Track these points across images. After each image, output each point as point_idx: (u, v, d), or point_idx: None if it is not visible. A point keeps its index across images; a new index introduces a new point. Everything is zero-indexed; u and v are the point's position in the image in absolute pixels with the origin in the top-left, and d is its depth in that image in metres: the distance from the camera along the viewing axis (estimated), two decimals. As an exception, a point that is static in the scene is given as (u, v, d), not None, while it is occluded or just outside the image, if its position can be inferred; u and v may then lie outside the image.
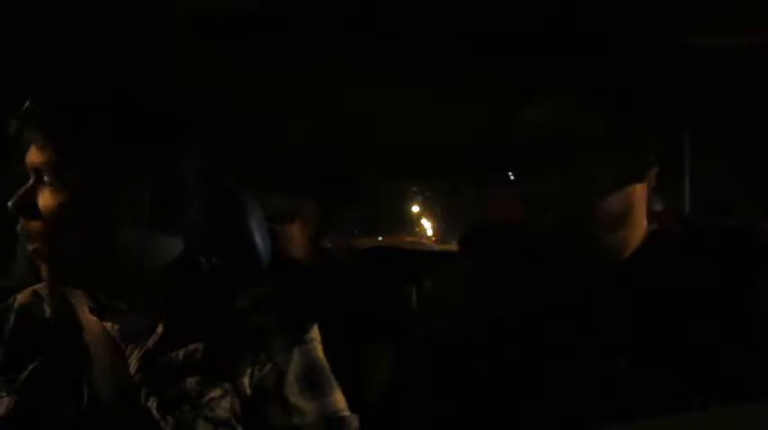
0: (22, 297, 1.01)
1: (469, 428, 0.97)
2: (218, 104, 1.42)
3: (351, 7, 1.03)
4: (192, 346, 0.91)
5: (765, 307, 0.90)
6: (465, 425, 0.97)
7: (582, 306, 0.94)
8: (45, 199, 0.89)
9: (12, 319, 0.98)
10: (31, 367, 0.91)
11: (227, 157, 1.06)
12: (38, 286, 1.02)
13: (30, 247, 0.92)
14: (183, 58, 1.19)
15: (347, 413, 0.97)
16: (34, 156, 0.90)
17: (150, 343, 0.92)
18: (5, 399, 0.90)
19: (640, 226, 0.99)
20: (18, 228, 0.93)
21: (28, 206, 0.89)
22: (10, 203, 0.90)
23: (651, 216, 1.03)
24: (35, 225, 0.90)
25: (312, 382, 0.95)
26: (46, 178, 0.89)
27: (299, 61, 1.24)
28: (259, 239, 1.17)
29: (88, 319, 0.95)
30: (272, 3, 1.02)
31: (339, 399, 0.97)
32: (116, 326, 0.94)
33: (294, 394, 0.93)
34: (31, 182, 0.91)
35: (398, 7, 1.03)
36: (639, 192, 0.97)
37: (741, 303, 0.90)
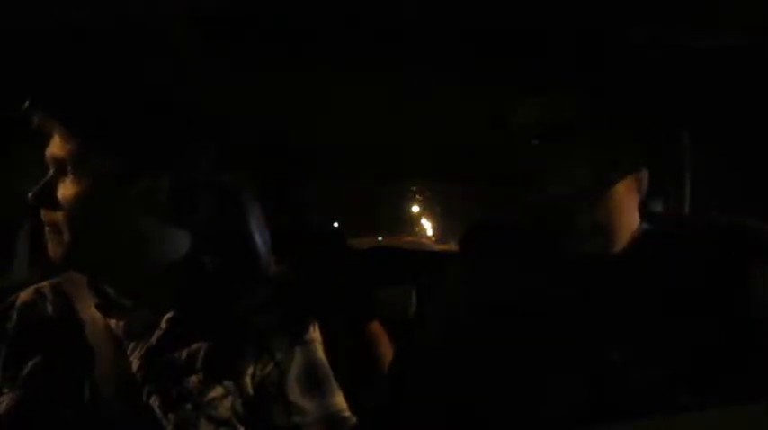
0: (24, 295, 1.01)
1: (469, 428, 0.97)
2: (218, 104, 1.42)
3: (351, 7, 1.03)
4: (194, 346, 0.91)
5: (763, 305, 0.90)
6: (464, 425, 0.97)
7: (581, 305, 0.95)
8: (66, 189, 0.91)
9: (14, 317, 0.98)
10: (32, 364, 0.91)
11: (228, 158, 1.06)
12: (40, 284, 1.02)
13: (47, 234, 0.94)
14: (183, 58, 1.19)
15: (348, 413, 0.97)
16: (56, 147, 0.92)
17: (153, 339, 0.92)
18: (7, 396, 0.90)
19: (627, 221, 0.99)
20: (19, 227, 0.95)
21: (48, 197, 0.92)
22: (30, 194, 0.92)
23: (650, 216, 1.03)
24: (55, 215, 0.92)
25: (313, 382, 0.95)
26: (69, 168, 0.91)
27: (299, 61, 1.24)
28: (259, 240, 1.17)
29: (91, 316, 0.95)
30: (271, 3, 1.02)
31: (340, 399, 0.98)
32: (120, 323, 0.95)
33: (295, 394, 0.93)
34: (50, 173, 0.93)
35: (398, 7, 1.03)
36: (623, 187, 0.98)
37: (738, 302, 0.90)
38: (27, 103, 0.92)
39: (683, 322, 0.90)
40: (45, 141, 0.94)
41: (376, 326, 1.69)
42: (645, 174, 1.00)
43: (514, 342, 0.95)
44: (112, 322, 0.95)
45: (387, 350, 1.64)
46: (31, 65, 1.17)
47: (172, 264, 0.97)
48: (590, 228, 0.98)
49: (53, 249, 0.93)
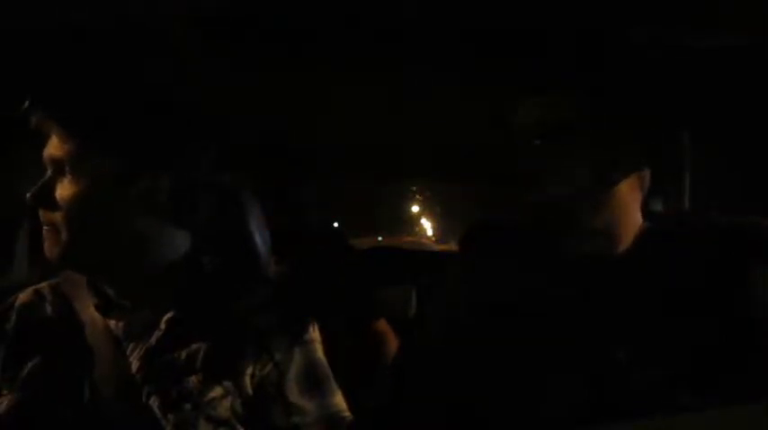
0: (23, 296, 1.01)
1: (469, 428, 0.97)
2: (218, 104, 1.42)
3: (351, 7, 1.03)
4: (194, 346, 0.91)
5: (763, 305, 0.90)
6: (464, 425, 0.97)
7: (581, 305, 0.94)
8: (64, 189, 0.91)
9: (13, 318, 0.98)
10: (31, 364, 0.91)
11: (228, 158, 1.06)
12: (39, 285, 1.02)
13: (45, 234, 0.93)
14: (183, 58, 1.20)
15: (348, 413, 0.97)
16: (54, 148, 0.92)
17: (153, 339, 0.92)
18: (7, 397, 0.90)
19: (631, 220, 0.99)
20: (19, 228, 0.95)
21: (46, 198, 0.91)
22: (28, 195, 0.92)
23: (650, 216, 1.03)
24: (54, 215, 0.91)
25: (313, 382, 0.95)
26: (67, 169, 0.91)
27: (299, 61, 1.24)
28: (259, 240, 1.18)
29: (91, 317, 0.95)
30: (271, 3, 1.02)
31: (340, 400, 0.97)
32: (119, 324, 0.94)
33: (294, 394, 0.93)
34: (48, 174, 0.93)
35: (398, 7, 1.03)
36: (626, 186, 0.98)
37: (739, 301, 0.91)
38: (27, 103, 0.92)
39: (684, 322, 0.90)
40: (45, 141, 0.94)
41: (383, 325, 1.69)
42: (647, 173, 1.00)
43: (515, 342, 0.95)
44: (112, 323, 0.95)
45: (395, 348, 1.64)
46: (31, 65, 1.17)
47: (171, 265, 0.97)
48: (593, 227, 0.98)
49: (49, 249, 0.92)
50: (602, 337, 0.92)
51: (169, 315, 0.93)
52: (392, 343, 1.66)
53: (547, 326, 0.94)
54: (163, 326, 0.93)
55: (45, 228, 0.93)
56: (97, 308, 0.96)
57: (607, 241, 0.98)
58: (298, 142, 1.90)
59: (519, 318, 0.96)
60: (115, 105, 0.94)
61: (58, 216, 0.91)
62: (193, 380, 0.89)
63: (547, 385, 0.92)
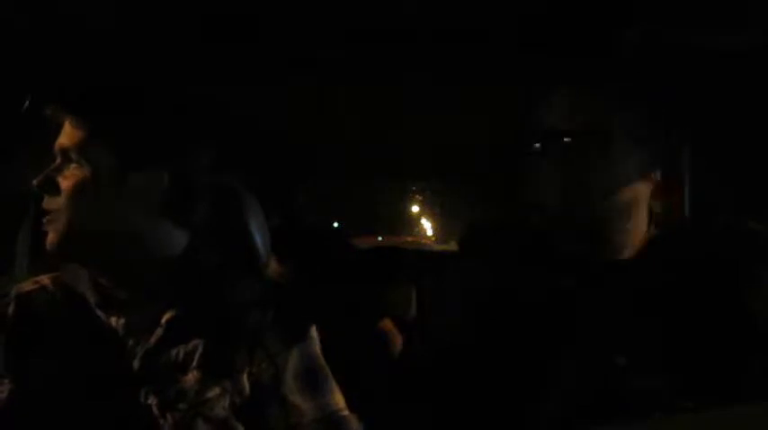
0: (23, 285, 1.00)
1: (469, 428, 0.97)
2: (220, 104, 1.42)
3: (351, 8, 1.03)
4: (191, 344, 0.91)
5: (763, 306, 0.90)
6: (465, 425, 0.97)
7: (582, 306, 0.94)
8: (68, 178, 0.93)
9: (12, 307, 0.96)
10: (30, 358, 0.91)
11: (228, 158, 1.06)
12: (39, 277, 1.01)
13: (46, 222, 0.95)
14: (184, 58, 1.20)
15: (347, 412, 0.97)
16: (64, 137, 0.94)
17: (153, 339, 0.92)
18: (7, 386, 0.89)
19: (643, 225, 0.99)
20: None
21: (52, 184, 0.93)
22: (35, 181, 0.94)
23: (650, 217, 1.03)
24: (56, 202, 0.93)
25: (310, 381, 0.95)
26: (73, 157, 0.92)
27: (300, 62, 1.24)
28: (259, 239, 1.18)
29: (92, 312, 0.95)
30: (271, 3, 1.02)
31: (338, 399, 0.97)
32: (120, 320, 0.94)
33: (292, 393, 0.93)
34: (57, 162, 0.95)
35: (398, 8, 1.03)
36: (643, 189, 0.97)
37: (738, 303, 0.90)
38: (27, 103, 0.93)
39: (684, 325, 0.90)
40: (47, 140, 0.95)
41: (388, 325, 1.70)
42: (657, 175, 0.99)
43: (514, 342, 0.95)
44: (113, 319, 0.94)
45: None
46: (34, 62, 1.17)
47: (169, 261, 0.97)
48: (617, 229, 0.97)
49: (49, 239, 0.93)
50: (601, 341, 0.92)
51: (169, 314, 0.93)
52: (398, 342, 1.66)
53: (546, 327, 0.94)
54: (163, 323, 0.93)
55: (47, 217, 0.94)
56: (98, 304, 0.96)
57: (614, 243, 0.97)
58: (298, 142, 1.91)
59: (519, 318, 0.96)
60: (118, 99, 0.96)
61: (59, 203, 0.92)
62: (191, 379, 0.89)
63: (547, 386, 0.92)
